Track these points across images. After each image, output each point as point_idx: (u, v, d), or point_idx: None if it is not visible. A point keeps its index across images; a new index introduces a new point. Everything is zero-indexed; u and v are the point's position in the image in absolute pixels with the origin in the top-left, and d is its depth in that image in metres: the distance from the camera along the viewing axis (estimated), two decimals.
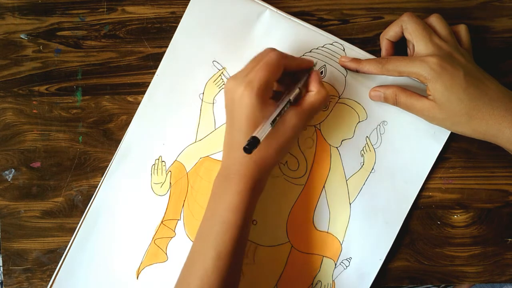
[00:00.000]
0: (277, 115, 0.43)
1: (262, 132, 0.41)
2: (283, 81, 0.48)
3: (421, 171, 0.53)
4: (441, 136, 0.52)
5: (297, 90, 0.46)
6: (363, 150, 0.53)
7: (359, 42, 0.53)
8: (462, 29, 0.49)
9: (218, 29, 0.52)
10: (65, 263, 0.53)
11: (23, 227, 0.54)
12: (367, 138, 0.53)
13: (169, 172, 0.53)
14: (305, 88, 0.48)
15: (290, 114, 0.45)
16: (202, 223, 0.47)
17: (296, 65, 0.47)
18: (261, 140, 0.40)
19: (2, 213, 0.54)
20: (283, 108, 0.44)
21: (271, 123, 0.42)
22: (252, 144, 0.40)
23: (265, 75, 0.43)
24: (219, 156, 0.53)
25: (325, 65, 0.52)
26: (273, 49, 0.46)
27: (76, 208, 0.54)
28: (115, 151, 0.53)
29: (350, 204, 0.53)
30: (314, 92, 0.47)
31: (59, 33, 0.53)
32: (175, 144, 0.53)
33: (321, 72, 0.52)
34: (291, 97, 0.45)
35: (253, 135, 0.40)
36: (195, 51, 0.53)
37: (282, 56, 0.45)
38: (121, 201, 0.53)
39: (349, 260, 0.53)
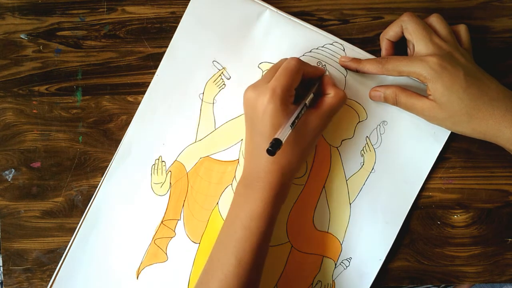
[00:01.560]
0: (296, 118, 0.44)
1: (283, 134, 0.42)
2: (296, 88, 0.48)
3: (421, 171, 0.53)
4: (441, 136, 0.52)
5: (311, 95, 0.47)
6: (363, 150, 0.53)
7: (359, 42, 0.53)
8: (462, 29, 0.49)
9: (218, 29, 0.52)
10: (65, 263, 0.53)
11: (23, 227, 0.54)
12: (367, 138, 0.53)
13: (169, 172, 0.53)
14: (320, 92, 0.49)
15: (311, 117, 0.46)
16: (223, 229, 0.47)
17: (312, 71, 0.48)
18: (283, 142, 0.41)
19: (2, 213, 0.54)
20: (300, 112, 0.45)
21: (290, 125, 0.43)
22: (275, 146, 0.40)
23: (287, 81, 0.45)
24: (219, 156, 0.53)
25: (325, 65, 0.52)
26: (295, 58, 0.47)
27: (76, 208, 0.54)
28: (115, 151, 0.53)
29: (350, 204, 0.53)
30: (331, 95, 0.48)
31: (59, 33, 0.54)
32: (175, 144, 0.53)
33: None
34: (307, 101, 0.46)
35: (275, 137, 0.41)
36: (195, 51, 0.53)
37: (300, 62, 0.46)
38: (121, 201, 0.53)
39: (349, 260, 0.53)
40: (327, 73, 0.51)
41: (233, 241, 0.45)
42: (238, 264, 0.44)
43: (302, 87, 0.47)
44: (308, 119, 0.46)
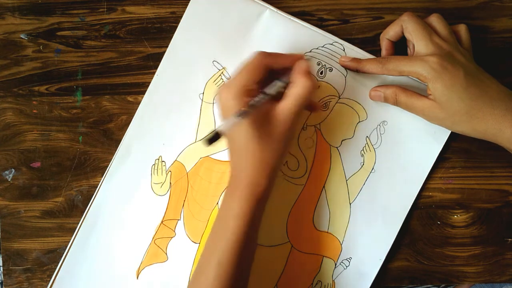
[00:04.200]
0: (249, 107, 0.42)
1: (224, 125, 0.41)
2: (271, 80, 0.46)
3: (421, 171, 0.53)
4: (441, 136, 0.52)
5: (276, 82, 0.45)
6: (363, 150, 0.53)
7: (359, 42, 0.53)
8: (462, 29, 0.49)
9: (218, 29, 0.52)
10: (65, 263, 0.53)
11: (23, 227, 0.54)
12: (367, 138, 0.53)
13: (169, 172, 0.53)
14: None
15: (277, 111, 0.44)
16: (212, 230, 0.47)
17: (283, 61, 0.45)
18: (224, 133, 0.41)
19: (2, 213, 0.54)
20: (258, 101, 0.43)
21: (238, 116, 0.41)
22: (213, 138, 0.41)
23: (242, 77, 0.43)
24: (219, 156, 0.53)
25: (325, 65, 0.52)
26: (258, 51, 0.45)
27: (76, 208, 0.54)
28: (115, 151, 0.53)
29: (350, 204, 0.53)
30: (294, 84, 0.44)
31: (59, 33, 0.54)
32: (175, 144, 0.53)
33: (321, 72, 0.52)
34: (267, 91, 0.44)
35: (216, 129, 0.41)
36: (195, 51, 0.53)
37: (263, 55, 0.44)
38: (121, 201, 0.53)
39: (349, 260, 0.53)
40: (306, 58, 0.48)
41: (214, 241, 0.45)
42: (218, 265, 0.43)
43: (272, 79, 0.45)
44: (275, 113, 0.44)
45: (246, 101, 0.43)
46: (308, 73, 0.45)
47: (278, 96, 0.45)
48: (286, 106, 0.44)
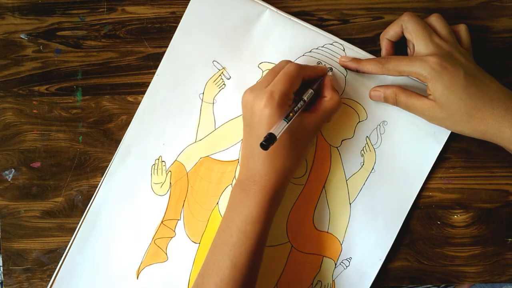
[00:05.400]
0: (290, 112, 0.44)
1: (277, 129, 0.42)
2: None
3: (421, 171, 0.53)
4: (441, 136, 0.52)
5: (310, 91, 0.47)
6: (363, 150, 0.53)
7: (359, 42, 0.53)
8: (462, 29, 0.49)
9: (218, 29, 0.52)
10: (65, 263, 0.53)
11: (23, 227, 0.54)
12: (367, 138, 0.53)
13: (169, 172, 0.53)
14: (319, 92, 0.49)
15: (307, 120, 0.47)
16: (218, 233, 0.47)
17: (313, 74, 0.49)
18: (277, 137, 0.41)
19: (2, 213, 0.54)
20: (296, 105, 0.45)
21: (284, 119, 0.43)
22: (269, 140, 0.40)
23: (286, 86, 0.45)
24: (219, 156, 0.53)
25: (325, 65, 0.52)
26: (290, 61, 0.47)
27: (76, 208, 0.54)
28: (115, 151, 0.53)
29: (350, 204, 0.53)
30: (327, 98, 0.48)
31: (59, 33, 0.54)
32: (175, 144, 0.53)
33: None
34: (306, 97, 0.46)
35: (270, 131, 0.41)
36: (195, 51, 0.53)
37: (300, 67, 0.46)
38: (121, 201, 0.53)
39: (349, 260, 0.53)
40: (330, 73, 0.51)
41: (228, 244, 0.45)
42: (234, 268, 0.44)
43: (301, 89, 0.47)
44: (304, 122, 0.46)
45: (289, 107, 0.45)
46: (336, 90, 0.49)
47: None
48: (316, 118, 0.47)
